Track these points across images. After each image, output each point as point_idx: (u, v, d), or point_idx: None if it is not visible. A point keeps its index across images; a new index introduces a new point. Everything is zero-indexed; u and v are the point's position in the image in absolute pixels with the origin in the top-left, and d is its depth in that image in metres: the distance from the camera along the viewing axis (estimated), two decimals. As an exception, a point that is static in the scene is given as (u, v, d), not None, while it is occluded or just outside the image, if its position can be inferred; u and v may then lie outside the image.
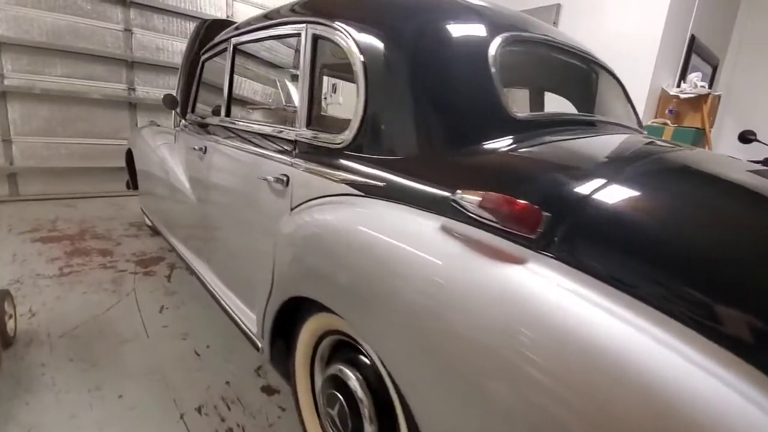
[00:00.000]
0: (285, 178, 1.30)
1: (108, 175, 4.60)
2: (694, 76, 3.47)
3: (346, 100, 5.53)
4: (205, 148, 1.94)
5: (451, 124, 1.02)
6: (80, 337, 1.91)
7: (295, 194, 1.27)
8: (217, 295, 1.81)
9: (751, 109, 4.36)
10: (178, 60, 4.83)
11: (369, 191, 1.05)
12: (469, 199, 0.84)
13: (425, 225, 0.87)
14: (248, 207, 1.54)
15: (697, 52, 3.79)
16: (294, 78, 2.81)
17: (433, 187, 0.93)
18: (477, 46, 1.11)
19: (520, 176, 0.87)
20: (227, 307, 1.69)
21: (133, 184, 3.65)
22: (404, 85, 1.05)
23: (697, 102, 3.18)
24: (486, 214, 0.80)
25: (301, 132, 1.32)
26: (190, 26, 4.87)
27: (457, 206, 0.86)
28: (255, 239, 1.49)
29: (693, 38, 3.63)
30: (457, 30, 1.12)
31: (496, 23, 1.20)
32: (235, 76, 1.95)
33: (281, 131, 1.41)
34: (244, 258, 1.59)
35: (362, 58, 1.12)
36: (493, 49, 1.11)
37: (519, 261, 0.72)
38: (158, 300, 2.33)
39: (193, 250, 2.22)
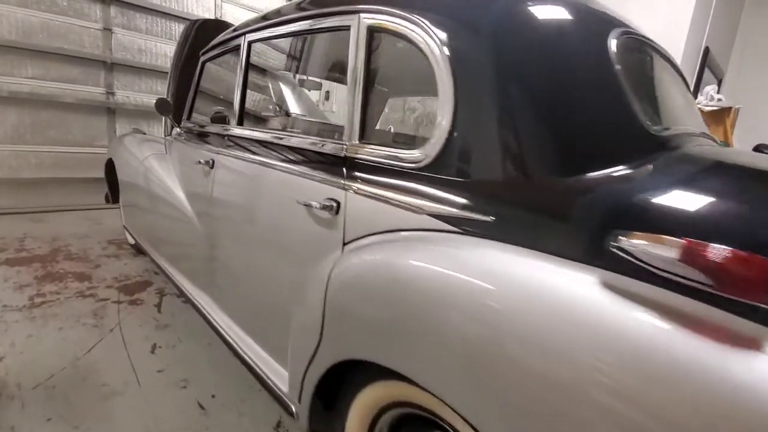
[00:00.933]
0: (334, 204, 1.04)
1: (83, 186, 4.20)
2: (710, 89, 3.37)
3: (339, 108, 5.27)
4: (212, 161, 1.65)
5: (581, 140, 0.78)
6: (58, 388, 1.58)
7: (349, 225, 1.01)
8: (228, 337, 1.52)
9: (758, 120, 4.33)
10: (161, 63, 4.49)
11: (468, 227, 0.80)
12: (650, 247, 0.60)
13: (575, 281, 0.62)
14: (279, 237, 1.26)
15: (708, 65, 3.70)
16: (301, 83, 2.55)
17: (571, 225, 0.69)
18: (596, 39, 0.88)
19: (711, 215, 0.63)
20: (243, 354, 1.40)
21: (112, 197, 3.31)
22: (514, 86, 0.81)
23: (719, 115, 3.07)
24: (688, 272, 0.56)
25: (353, 146, 1.06)
26: (176, 27, 4.55)
27: (623, 255, 0.62)
28: (289, 278, 1.22)
29: (707, 50, 3.54)
30: (569, 21, 0.89)
31: (600, 15, 0.98)
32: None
33: (324, 145, 1.14)
34: (273, 300, 1.31)
35: (446, 55, 0.88)
36: (613, 44, 0.88)
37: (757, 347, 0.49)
38: (149, 336, 2.00)
39: (192, 278, 1.91)
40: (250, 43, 1.58)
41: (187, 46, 2.81)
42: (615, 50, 0.87)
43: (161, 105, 2.16)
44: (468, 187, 0.83)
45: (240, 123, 1.60)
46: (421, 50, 0.93)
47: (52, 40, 3.84)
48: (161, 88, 4.56)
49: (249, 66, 1.60)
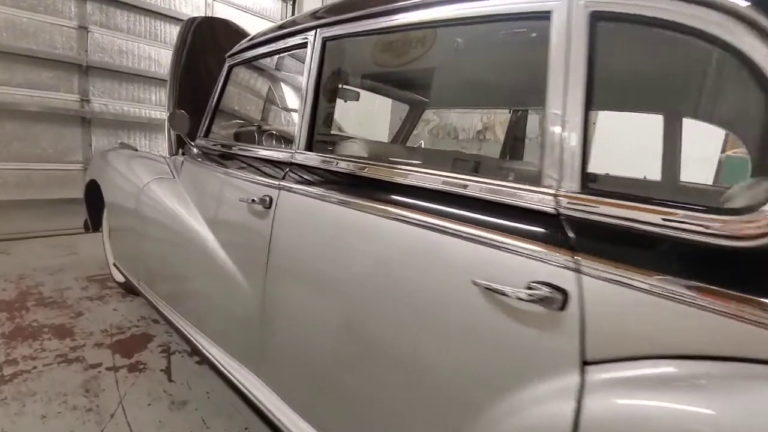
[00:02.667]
0: (560, 297, 0.64)
1: (52, 208, 3.61)
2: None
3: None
4: (270, 200, 1.22)
5: None
6: None
7: (593, 333, 0.61)
8: (281, 424, 1.09)
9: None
10: (145, 66, 3.97)
11: None
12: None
13: None
14: (437, 335, 0.81)
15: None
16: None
17: None
18: None
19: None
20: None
21: (93, 223, 2.79)
22: None
23: None
24: None
25: (576, 199, 0.67)
26: (162, 27, 4.04)
27: None
28: (449, 396, 0.79)
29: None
30: None
31: None
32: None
33: (527, 195, 0.73)
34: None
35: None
36: None
37: None
38: (164, 421, 1.53)
39: (223, 342, 1.46)
40: (325, 41, 1.16)
41: (185, 51, 2.36)
42: None
43: (177, 119, 1.71)
44: None
45: (309, 147, 1.18)
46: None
47: (17, 40, 3.27)
48: (144, 95, 4.03)
49: (322, 71, 1.18)
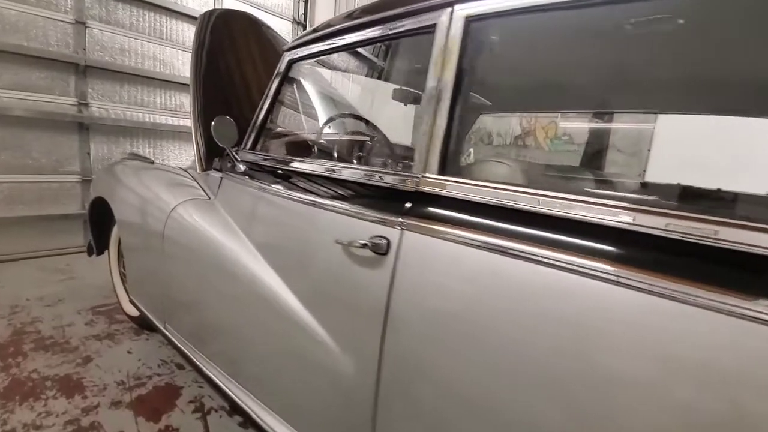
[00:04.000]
0: None
1: (46, 226, 3.21)
2: None
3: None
4: (387, 243, 0.87)
5: None
6: None
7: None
8: None
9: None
10: (149, 66, 3.59)
11: None
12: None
13: None
14: None
15: None
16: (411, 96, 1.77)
17: None
18: None
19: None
20: None
21: (97, 247, 2.42)
22: None
23: None
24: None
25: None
26: (168, 24, 3.67)
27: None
28: None
29: None
30: None
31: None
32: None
33: None
34: None
35: None
36: None
37: None
38: None
39: (288, 416, 1.11)
40: (469, 22, 0.83)
41: (204, 52, 2.01)
42: None
43: (224, 128, 1.36)
44: None
45: (442, 169, 0.85)
46: None
47: (5, 35, 2.87)
48: (148, 98, 3.65)
49: (463, 64, 0.84)
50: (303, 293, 1.09)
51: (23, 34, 2.94)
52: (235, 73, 2.16)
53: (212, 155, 1.76)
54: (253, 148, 1.48)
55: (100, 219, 2.34)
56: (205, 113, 1.87)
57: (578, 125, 3.29)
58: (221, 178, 1.59)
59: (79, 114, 3.25)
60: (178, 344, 1.56)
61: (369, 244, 0.89)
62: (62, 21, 3.10)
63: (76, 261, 3.17)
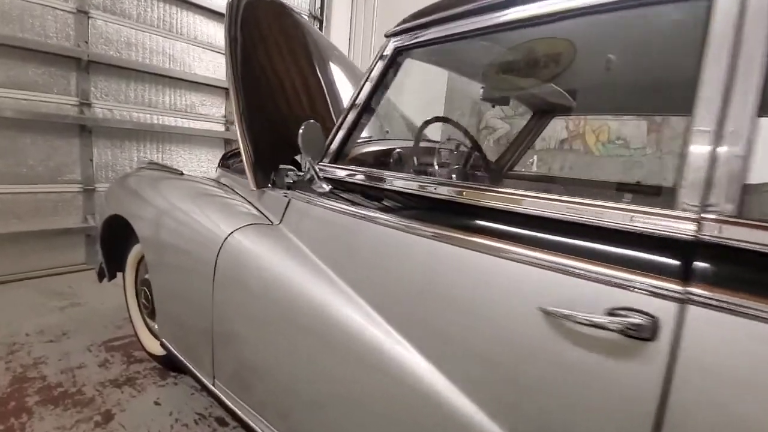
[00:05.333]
0: None
1: (43, 242, 2.83)
2: None
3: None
4: (655, 325, 0.55)
5: None
6: None
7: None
8: None
9: None
10: (157, 62, 3.23)
11: None
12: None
13: None
14: None
15: None
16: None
17: None
18: None
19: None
20: None
21: (109, 271, 2.08)
22: None
23: None
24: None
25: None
26: (178, 15, 3.31)
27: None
28: None
29: None
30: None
31: None
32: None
33: None
34: None
35: None
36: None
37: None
38: None
39: None
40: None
41: (238, 48, 1.67)
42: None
43: (311, 134, 1.03)
44: None
45: (739, 210, 0.54)
46: None
47: (1, 26, 2.50)
48: (156, 98, 3.28)
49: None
50: (459, 375, 0.77)
51: (17, 24, 2.56)
52: (271, 67, 1.82)
53: (266, 168, 1.42)
54: (335, 161, 1.15)
55: (112, 238, 1.99)
56: (250, 118, 1.53)
57: (636, 128, 3.01)
58: (287, 198, 1.26)
59: (80, 115, 2.88)
60: (235, 409, 1.23)
61: (618, 324, 0.57)
62: (62, 10, 2.73)
63: (78, 282, 2.80)
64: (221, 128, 3.76)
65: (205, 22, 3.49)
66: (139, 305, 2.00)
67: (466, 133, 1.46)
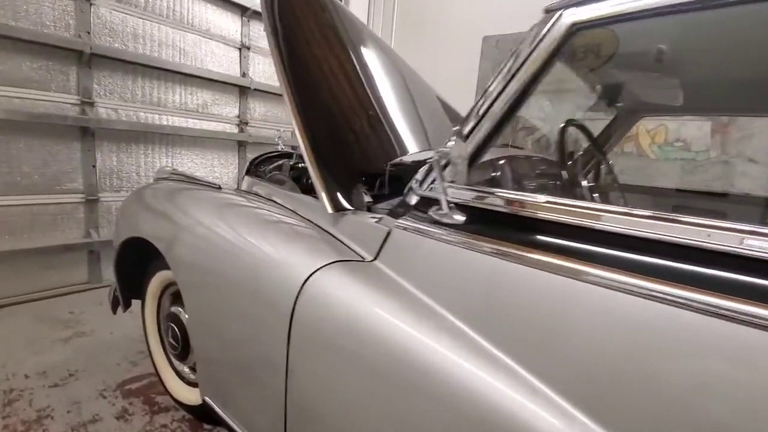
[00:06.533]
0: None
1: (40, 261, 2.49)
2: None
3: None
4: None
5: None
6: None
7: None
8: None
9: None
10: (167, 56, 2.89)
11: None
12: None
13: None
14: None
15: None
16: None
17: None
18: None
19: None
20: None
21: (125, 301, 1.77)
22: None
23: None
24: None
25: None
26: (189, 4, 2.97)
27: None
28: None
29: None
30: None
31: None
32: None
33: None
34: None
35: None
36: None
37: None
38: None
39: None
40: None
41: (281, 38, 1.35)
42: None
43: (454, 153, 0.72)
44: None
45: None
46: None
47: (-14, 11, 2.16)
48: (165, 96, 2.95)
49: None
50: None
51: (9, 10, 2.22)
52: (319, 58, 1.52)
53: (343, 185, 1.12)
54: (466, 179, 0.85)
55: (128, 264, 1.69)
56: (308, 121, 1.22)
57: (698, 129, 2.74)
58: (386, 229, 0.95)
59: (82, 115, 2.53)
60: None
61: None
62: (61, -5, 2.39)
63: (82, 305, 2.46)
64: (234, 129, 3.43)
65: (218, 12, 3.16)
66: (162, 342, 1.68)
67: (594, 143, 1.18)
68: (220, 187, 1.50)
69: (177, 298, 1.62)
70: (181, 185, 1.57)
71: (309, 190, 1.46)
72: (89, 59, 2.52)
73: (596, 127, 1.87)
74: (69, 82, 2.49)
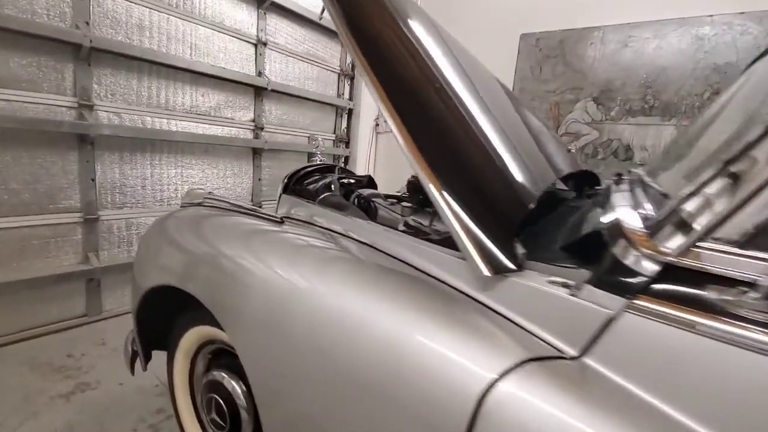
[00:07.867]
0: None
1: (32, 292, 2.10)
2: None
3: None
4: None
5: None
6: None
7: None
8: None
9: None
10: (175, 50, 2.52)
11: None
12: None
13: None
14: None
15: None
16: None
17: None
18: None
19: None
20: None
21: (144, 354, 1.41)
22: None
23: None
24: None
25: None
26: (202, -8, 2.60)
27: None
28: None
29: None
30: None
31: None
32: None
33: None
34: None
35: None
36: None
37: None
38: None
39: None
40: None
41: (347, 23, 1.00)
42: None
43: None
44: None
45: None
46: None
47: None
48: (174, 98, 2.57)
49: None
50: None
51: (-5, -4, 1.83)
52: (389, 45, 1.17)
53: (502, 236, 0.79)
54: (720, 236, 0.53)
55: (150, 319, 1.34)
56: (416, 136, 0.89)
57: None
58: (608, 313, 0.63)
59: (79, 121, 2.15)
60: None
61: None
62: (55, -22, 2.00)
63: (80, 345, 2.08)
64: (249, 135, 3.06)
65: (233, 3, 2.79)
66: (198, 414, 1.33)
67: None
68: (282, 221, 1.15)
69: (217, 359, 1.28)
70: (228, 217, 1.22)
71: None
72: (88, 54, 2.13)
73: None
74: (64, 81, 2.10)
